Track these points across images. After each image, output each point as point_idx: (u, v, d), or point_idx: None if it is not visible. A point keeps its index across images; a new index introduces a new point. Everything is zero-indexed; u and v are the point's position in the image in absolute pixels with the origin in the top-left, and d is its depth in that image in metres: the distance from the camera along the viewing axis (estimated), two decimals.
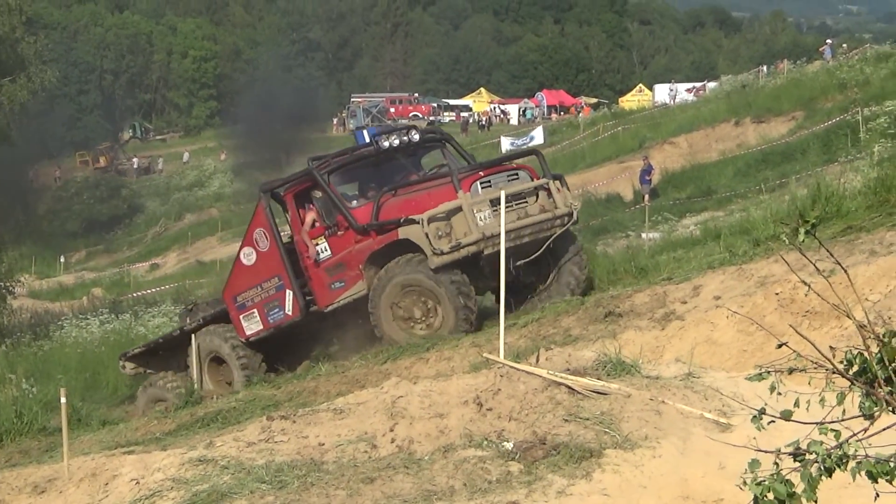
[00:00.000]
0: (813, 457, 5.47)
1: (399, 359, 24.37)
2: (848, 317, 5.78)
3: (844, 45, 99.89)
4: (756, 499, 5.40)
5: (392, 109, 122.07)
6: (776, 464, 5.49)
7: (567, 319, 23.08)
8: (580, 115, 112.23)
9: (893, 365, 5.58)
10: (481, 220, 23.56)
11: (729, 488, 5.05)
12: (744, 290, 20.86)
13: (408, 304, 24.00)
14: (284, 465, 13.23)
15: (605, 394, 14.38)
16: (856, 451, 5.50)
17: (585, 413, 13.89)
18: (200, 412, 24.87)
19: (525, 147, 69.57)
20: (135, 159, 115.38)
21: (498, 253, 22.77)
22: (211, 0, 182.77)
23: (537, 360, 15.95)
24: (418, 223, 23.50)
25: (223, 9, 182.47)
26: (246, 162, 39.61)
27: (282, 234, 26.49)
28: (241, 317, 26.52)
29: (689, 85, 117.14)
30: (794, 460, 5.50)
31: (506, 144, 79.74)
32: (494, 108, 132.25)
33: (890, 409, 5.57)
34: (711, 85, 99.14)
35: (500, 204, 22.97)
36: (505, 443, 13.42)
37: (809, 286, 6.51)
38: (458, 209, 23.55)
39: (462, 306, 23.53)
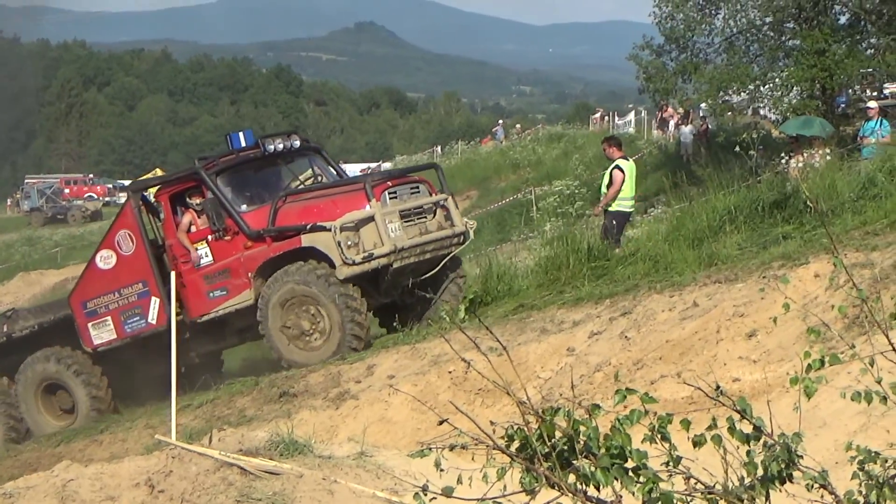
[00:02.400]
0: None
1: (73, 441, 24.01)
2: (508, 394, 5.99)
3: (517, 126, 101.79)
4: None
5: (67, 190, 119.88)
6: None
7: (242, 400, 23.02)
8: None
9: (553, 441, 5.78)
10: (393, 231, 22.78)
11: None
12: (417, 369, 21.08)
13: (294, 318, 22.91)
14: None
15: (278, 474, 14.44)
16: None
17: (258, 494, 13.93)
18: None
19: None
20: None
21: (401, 268, 23.08)
22: None
23: (210, 441, 15.94)
24: (329, 230, 22.47)
25: None
26: None
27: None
28: (89, 324, 24.70)
29: (364, 165, 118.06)
30: None
31: None
32: None
33: (549, 484, 5.77)
34: (386, 165, 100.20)
35: (409, 215, 23.29)
36: None
37: (470, 364, 6.71)
38: (370, 219, 22.65)
39: (351, 323, 22.53)
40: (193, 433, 18.53)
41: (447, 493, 5.81)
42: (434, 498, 5.86)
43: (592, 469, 5.70)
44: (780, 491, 5.95)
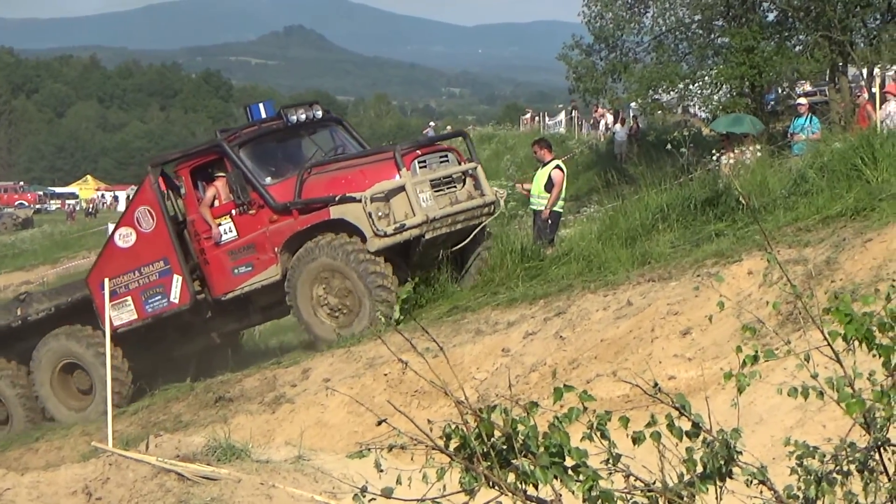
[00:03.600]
0: None
1: (8, 450, 23.91)
2: (446, 394, 5.99)
3: (448, 128, 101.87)
4: None
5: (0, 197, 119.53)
6: None
7: (177, 405, 22.94)
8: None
9: (491, 440, 5.78)
10: (424, 201, 22.36)
11: None
12: (353, 372, 21.06)
13: (324, 292, 22.44)
14: None
15: (216, 479, 14.42)
16: None
17: (196, 500, 13.91)
18: None
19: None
20: None
21: (432, 239, 22.66)
22: None
23: (147, 448, 15.93)
24: (359, 201, 21.95)
25: None
26: None
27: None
28: (109, 305, 22.89)
29: None
30: None
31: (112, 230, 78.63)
32: (101, 194, 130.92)
33: (489, 483, 5.77)
34: None
35: (440, 185, 22.89)
36: None
37: (406, 364, 6.72)
38: (401, 189, 22.24)
39: (381, 300, 21.86)
40: (130, 440, 18.51)
41: (387, 493, 5.80)
42: (374, 499, 5.86)
43: (532, 468, 5.70)
44: (721, 487, 5.97)
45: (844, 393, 5.79)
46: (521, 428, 5.75)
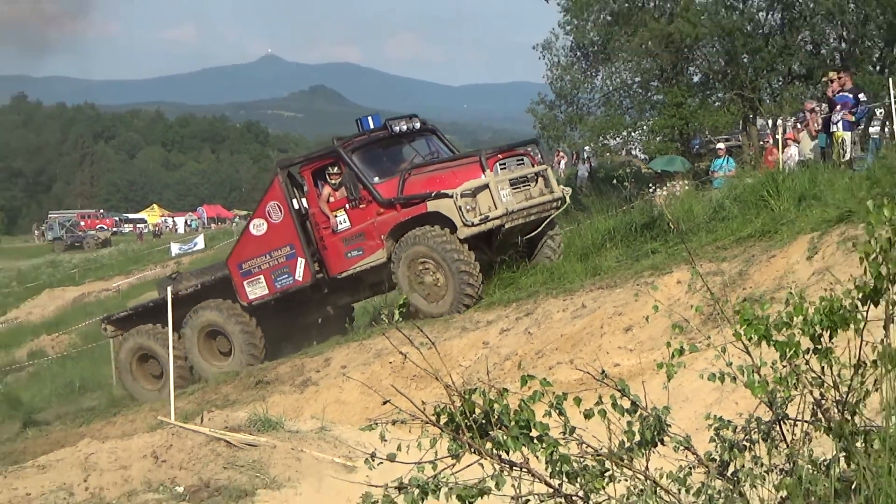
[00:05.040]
0: (414, 486, 5.65)
1: (92, 423, 23.87)
2: (437, 379, 5.99)
3: None
4: None
5: (82, 222, 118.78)
6: (386, 494, 5.65)
7: (226, 387, 22.95)
8: (235, 223, 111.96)
9: (473, 416, 5.78)
10: (504, 197, 22.20)
11: None
12: (364, 361, 21.07)
13: (421, 273, 22.26)
14: None
15: (256, 445, 14.42)
16: (447, 481, 5.69)
17: (241, 461, 13.90)
18: None
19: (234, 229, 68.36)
20: None
21: (511, 228, 22.67)
22: None
23: (202, 421, 15.92)
24: (451, 197, 21.89)
25: None
26: None
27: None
28: (245, 282, 24.32)
29: None
30: (399, 492, 5.66)
31: (175, 249, 78.50)
32: (165, 220, 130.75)
33: (471, 450, 5.77)
34: None
35: (517, 183, 22.81)
36: (177, 487, 13.32)
37: (406, 356, 6.71)
38: (485, 186, 22.10)
39: (464, 282, 21.98)
40: (188, 414, 18.48)
41: (391, 458, 5.81)
42: (380, 462, 5.86)
43: (505, 438, 5.70)
44: (654, 453, 5.98)
45: (751, 379, 5.80)
46: (496, 406, 5.75)
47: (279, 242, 23.91)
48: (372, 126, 24.15)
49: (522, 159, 23.50)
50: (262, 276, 24.17)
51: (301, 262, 23.71)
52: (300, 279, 23.82)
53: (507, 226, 22.31)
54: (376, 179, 23.05)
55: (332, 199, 23.31)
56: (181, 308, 25.02)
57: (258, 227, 24.35)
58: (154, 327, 25.72)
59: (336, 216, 23.28)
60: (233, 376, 23.66)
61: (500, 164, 22.61)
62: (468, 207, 21.83)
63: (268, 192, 24.64)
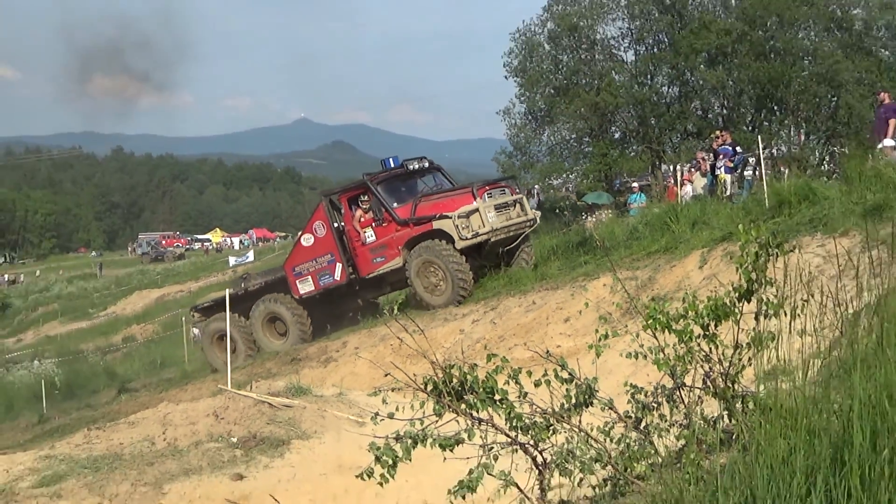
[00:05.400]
0: (407, 437, 5.62)
1: (169, 390, 23.79)
2: (425, 357, 5.96)
3: None
4: (377, 458, 5.54)
5: (164, 241, 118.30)
6: (386, 443, 5.62)
7: (269, 363, 22.86)
8: (277, 241, 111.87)
9: (452, 384, 5.75)
10: (490, 218, 22.20)
11: (366, 460, 5.21)
12: (372, 344, 21.00)
13: (428, 274, 22.22)
14: (98, 457, 12.82)
15: (291, 406, 14.38)
16: (432, 433, 5.65)
17: (279, 419, 13.86)
18: (47, 427, 23.70)
19: (247, 263, 68.01)
20: (4, 276, 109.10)
21: (495, 242, 22.52)
22: (50, 177, 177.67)
23: (251, 388, 15.89)
24: (450, 218, 22.03)
25: (59, 184, 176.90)
26: None
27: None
28: (297, 281, 24.24)
29: None
30: (397, 441, 5.62)
31: (231, 261, 78.09)
32: (225, 239, 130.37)
33: (451, 410, 5.74)
34: None
35: (500, 208, 22.72)
36: (232, 438, 13.29)
37: (402, 340, 6.70)
38: (476, 210, 22.10)
39: (459, 280, 21.98)
40: (241, 383, 18.37)
41: (390, 416, 5.80)
42: (383, 419, 5.83)
43: (475, 401, 5.67)
44: (586, 412, 5.94)
45: (658, 357, 5.78)
46: (468, 377, 5.72)
47: (323, 251, 23.98)
48: (392, 165, 24.33)
49: (504, 189, 23.56)
50: (310, 277, 24.24)
51: (339, 266, 23.77)
52: (338, 279, 23.87)
53: (492, 240, 22.33)
54: (395, 205, 23.17)
55: (362, 220, 23.39)
56: (250, 300, 25.35)
57: (307, 240, 24.39)
58: (231, 315, 25.76)
59: (365, 232, 23.34)
60: (274, 355, 23.59)
61: (487, 194, 22.64)
62: (463, 226, 21.94)
63: (314, 214, 24.71)
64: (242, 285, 26.60)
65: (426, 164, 24.64)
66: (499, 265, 23.53)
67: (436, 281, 22.27)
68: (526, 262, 23.43)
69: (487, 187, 23.07)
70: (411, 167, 24.23)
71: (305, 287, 24.34)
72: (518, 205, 23.44)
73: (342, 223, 24.01)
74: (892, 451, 3.73)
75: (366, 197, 23.45)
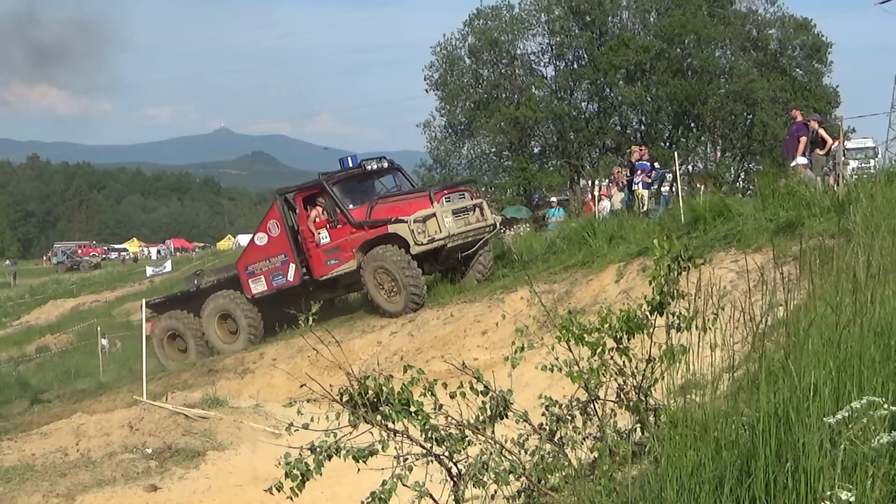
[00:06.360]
0: (321, 449, 5.59)
1: (83, 401, 23.39)
2: (341, 368, 5.94)
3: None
4: (286, 473, 5.50)
5: (80, 251, 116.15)
6: (300, 455, 5.58)
7: (185, 374, 22.61)
8: (195, 252, 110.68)
9: (367, 396, 5.73)
10: (447, 224, 21.68)
11: (281, 472, 5.20)
12: (289, 355, 20.90)
13: (382, 280, 21.69)
14: (9, 469, 12.63)
15: (207, 418, 14.26)
16: (346, 445, 5.63)
17: (195, 430, 13.75)
18: None
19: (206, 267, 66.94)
20: None
21: (452, 247, 21.99)
22: None
23: (166, 399, 15.75)
24: (405, 223, 21.43)
25: None
26: None
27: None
28: (249, 280, 23.68)
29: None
30: (311, 452, 5.59)
31: (149, 271, 76.73)
32: (142, 249, 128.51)
33: (366, 421, 5.72)
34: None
35: (458, 213, 22.19)
36: (147, 449, 13.17)
37: (318, 351, 6.64)
38: (432, 215, 21.59)
39: (412, 289, 21.42)
40: (156, 394, 18.14)
41: (305, 427, 5.75)
42: (298, 430, 5.79)
43: (390, 412, 5.66)
44: (502, 424, 5.97)
45: (572, 370, 5.82)
46: (384, 389, 5.71)
47: (276, 251, 23.53)
48: (350, 165, 23.76)
49: (464, 194, 23.09)
50: (263, 276, 23.78)
51: (292, 266, 23.33)
52: (291, 280, 23.41)
53: (449, 245, 21.91)
54: (351, 206, 22.68)
55: (317, 220, 22.91)
56: (203, 298, 24.89)
57: (261, 238, 23.94)
58: (181, 312, 25.35)
59: (319, 233, 22.87)
60: (190, 365, 23.33)
61: (445, 198, 22.24)
62: (419, 231, 21.49)
63: (269, 212, 24.25)
64: (195, 282, 26.05)
65: (385, 165, 24.12)
66: (456, 270, 23.23)
67: (389, 287, 21.86)
68: (483, 269, 23.04)
69: (446, 191, 22.75)
70: (369, 167, 23.70)
71: (258, 287, 23.89)
72: (478, 209, 22.98)
73: (297, 223, 23.58)
74: (795, 462, 3.80)
75: (321, 198, 23.04)
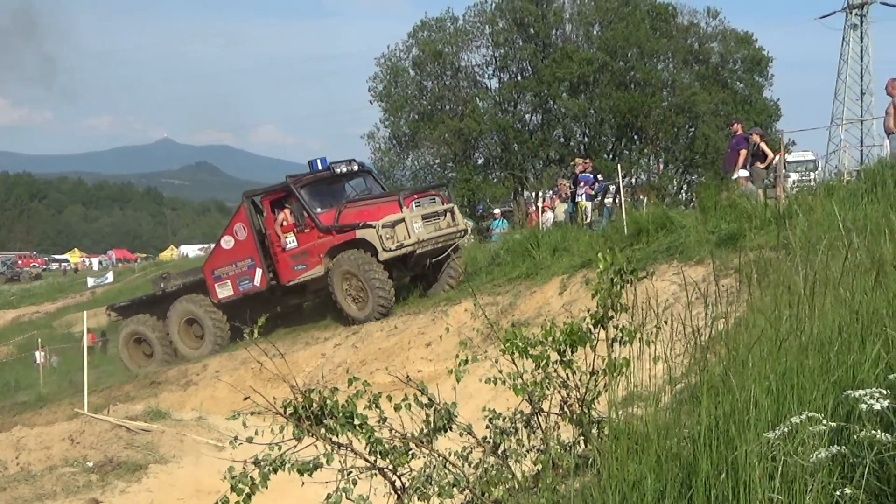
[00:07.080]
0: (265, 463, 5.55)
1: (23, 413, 23.05)
2: (285, 381, 5.91)
3: None
4: (232, 487, 5.45)
5: (20, 261, 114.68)
6: (244, 468, 5.54)
7: (127, 387, 22.36)
8: (137, 263, 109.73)
9: (311, 408, 5.72)
10: (416, 229, 21.22)
11: (225, 485, 5.14)
12: (233, 367, 20.77)
13: (350, 286, 21.27)
14: None
15: (149, 430, 14.13)
16: (290, 458, 5.60)
17: (137, 443, 13.63)
18: None
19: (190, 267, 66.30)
20: None
21: (422, 253, 21.52)
22: None
23: (108, 412, 15.60)
24: (374, 227, 20.93)
25: None
26: None
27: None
28: (216, 285, 23.22)
29: (200, 246, 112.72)
30: (255, 466, 5.55)
31: (90, 282, 75.91)
32: (83, 260, 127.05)
33: (310, 434, 5.70)
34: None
35: (428, 218, 21.70)
36: (88, 463, 13.03)
37: (262, 364, 6.62)
38: (402, 220, 21.08)
39: (380, 295, 20.97)
40: (98, 407, 17.93)
41: (249, 440, 5.71)
42: (242, 443, 5.75)
43: (335, 425, 5.64)
44: (445, 437, 5.97)
45: (516, 382, 5.84)
46: (328, 401, 5.69)
47: (243, 255, 23.12)
48: (320, 167, 23.22)
49: (434, 199, 22.70)
50: (229, 281, 23.34)
51: (259, 271, 22.92)
52: (258, 284, 23.01)
53: (418, 251, 21.53)
54: (318, 210, 22.25)
55: (284, 224, 22.49)
56: (169, 302, 24.49)
57: (227, 242, 23.46)
58: (146, 316, 24.98)
59: (286, 237, 22.45)
60: (132, 377, 23.09)
61: (415, 203, 21.88)
62: (388, 236, 21.08)
63: (235, 215, 23.79)
64: (161, 285, 25.51)
65: (355, 168, 23.71)
66: (425, 277, 22.95)
67: (356, 293, 21.52)
68: (453, 276, 22.73)
69: (416, 196, 22.39)
70: (338, 170, 23.21)
71: (224, 291, 23.49)
72: (449, 214, 22.57)
73: (265, 226, 23.18)
74: (735, 475, 3.84)
75: (288, 202, 22.65)
